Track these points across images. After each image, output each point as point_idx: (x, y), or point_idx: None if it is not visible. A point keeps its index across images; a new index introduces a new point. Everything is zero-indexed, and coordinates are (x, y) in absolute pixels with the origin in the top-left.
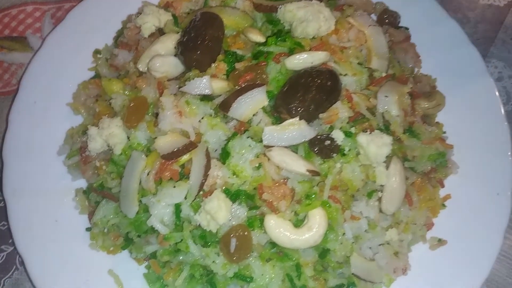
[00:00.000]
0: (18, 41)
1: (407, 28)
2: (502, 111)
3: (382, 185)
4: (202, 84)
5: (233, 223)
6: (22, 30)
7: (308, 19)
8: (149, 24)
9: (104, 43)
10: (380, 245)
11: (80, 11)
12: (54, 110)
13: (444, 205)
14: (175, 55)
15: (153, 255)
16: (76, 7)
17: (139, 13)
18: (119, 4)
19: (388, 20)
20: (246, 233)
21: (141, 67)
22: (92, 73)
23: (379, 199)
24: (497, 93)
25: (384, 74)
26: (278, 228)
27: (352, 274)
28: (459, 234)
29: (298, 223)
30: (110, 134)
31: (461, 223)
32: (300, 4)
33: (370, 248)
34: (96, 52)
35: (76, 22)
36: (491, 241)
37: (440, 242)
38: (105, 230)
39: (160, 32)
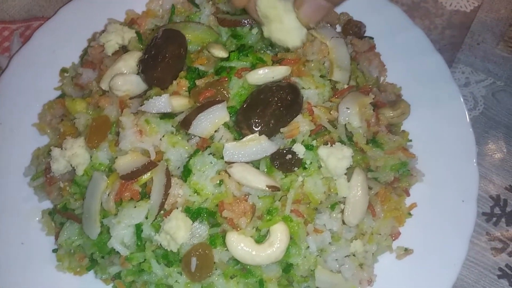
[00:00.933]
0: None
1: (371, 38)
2: (467, 118)
3: (344, 197)
4: (161, 102)
5: (195, 241)
6: None
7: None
8: (112, 42)
9: (71, 61)
10: (345, 256)
11: (47, 29)
12: (21, 130)
13: (410, 214)
14: (137, 73)
15: (118, 276)
16: (42, 26)
17: (103, 31)
18: (86, 21)
19: (352, 30)
20: (207, 251)
21: (104, 86)
22: (59, 92)
23: (342, 211)
24: (462, 100)
25: (346, 86)
26: (239, 245)
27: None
28: (426, 242)
29: (260, 239)
30: (73, 155)
31: (427, 231)
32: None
33: (336, 260)
34: (63, 71)
35: (43, 41)
36: (457, 248)
37: (407, 251)
38: (71, 251)
39: (124, 49)
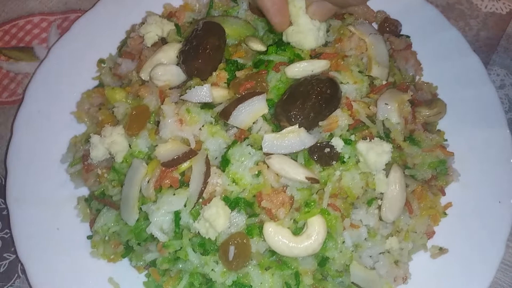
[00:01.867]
0: (24, 51)
1: (408, 36)
2: (504, 118)
3: (382, 193)
4: (203, 92)
5: (232, 231)
6: (28, 40)
7: (305, 30)
8: (152, 33)
9: (108, 52)
10: (380, 253)
11: (85, 21)
12: (58, 118)
13: (445, 213)
14: (177, 64)
15: (153, 263)
16: (81, 18)
17: (143, 23)
18: (123, 14)
19: (389, 28)
20: (245, 240)
21: (144, 76)
22: (96, 82)
23: (379, 207)
24: (499, 101)
25: (384, 82)
26: (277, 236)
27: (352, 283)
28: (461, 243)
29: (297, 231)
30: (112, 142)
31: (463, 232)
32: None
33: (370, 256)
34: (100, 61)
35: (81, 32)
36: (493, 250)
37: (441, 250)
38: (106, 238)
39: (163, 41)
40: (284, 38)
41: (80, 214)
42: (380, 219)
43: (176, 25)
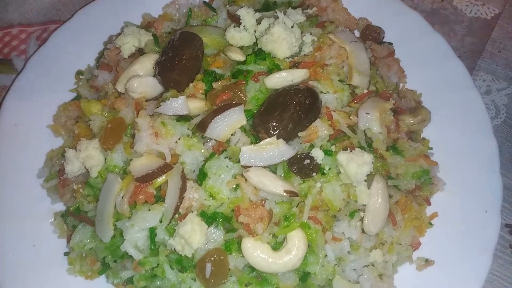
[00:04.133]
0: (3, 63)
1: (390, 43)
2: (490, 125)
3: (364, 205)
4: (178, 104)
5: (209, 247)
6: (7, 52)
7: (279, 39)
8: (128, 44)
9: (87, 64)
10: (364, 266)
11: (63, 32)
12: (35, 132)
13: (431, 224)
14: (154, 76)
15: (130, 281)
16: (59, 29)
17: (120, 33)
18: (101, 25)
19: (371, 35)
20: (222, 257)
21: (120, 88)
22: (74, 94)
23: (362, 219)
24: (484, 108)
25: (365, 91)
26: (256, 251)
27: None
28: (447, 254)
29: (277, 245)
30: (87, 156)
31: (449, 242)
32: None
33: (354, 270)
34: (78, 73)
35: (59, 43)
36: (481, 260)
37: (428, 262)
38: (83, 255)
39: (140, 52)
40: (259, 47)
41: (57, 230)
42: (363, 231)
43: (154, 35)
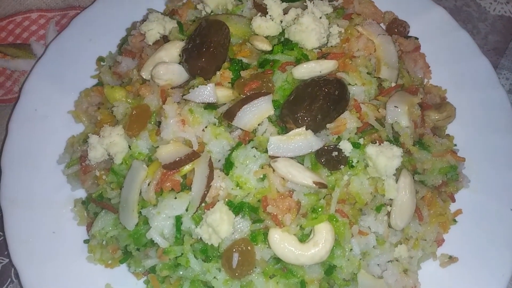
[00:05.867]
0: (21, 48)
1: (416, 38)
2: None
3: (391, 199)
4: (207, 92)
5: (236, 237)
6: (26, 37)
7: (308, 29)
8: (153, 31)
9: (108, 50)
10: (388, 262)
11: (84, 18)
12: (55, 118)
13: (455, 221)
14: (180, 63)
15: (152, 270)
16: (80, 14)
17: (144, 20)
18: (124, 11)
19: (397, 29)
20: (249, 247)
21: (145, 74)
22: (95, 81)
23: (388, 214)
24: (510, 106)
25: (393, 84)
26: (283, 243)
27: None
28: (471, 251)
29: (303, 237)
30: (111, 143)
31: (473, 240)
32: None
33: (378, 265)
34: (100, 59)
35: (80, 29)
36: (505, 258)
37: (451, 259)
38: (104, 243)
39: (164, 39)
40: (286, 36)
41: (77, 217)
42: (389, 226)
43: (179, 22)
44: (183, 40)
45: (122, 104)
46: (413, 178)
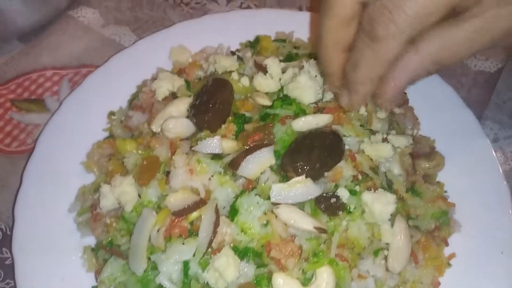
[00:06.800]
0: (36, 103)
1: (405, 93)
2: (500, 170)
3: (387, 244)
4: (213, 144)
5: (241, 281)
6: (40, 93)
7: (304, 86)
8: (163, 88)
9: (118, 106)
10: None
11: (96, 75)
12: (67, 168)
13: (449, 264)
14: (187, 117)
15: None
16: (93, 72)
17: (154, 78)
18: (133, 70)
19: None
20: None
21: (155, 128)
22: (106, 134)
23: (385, 258)
24: (494, 153)
25: (385, 136)
26: (286, 286)
27: None
28: None
29: (305, 281)
30: (122, 192)
31: (467, 283)
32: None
33: None
34: (111, 113)
35: (92, 86)
36: None
37: None
38: None
39: (173, 96)
40: (285, 93)
41: (86, 264)
42: (387, 269)
43: (186, 80)
44: (190, 96)
45: (133, 155)
46: (408, 223)
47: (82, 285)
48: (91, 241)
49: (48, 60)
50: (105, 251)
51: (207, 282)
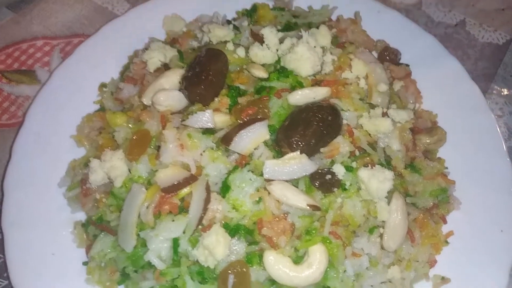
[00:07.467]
0: (26, 74)
1: (407, 65)
2: (504, 147)
3: (383, 221)
4: (205, 117)
5: (232, 259)
6: (31, 63)
7: (302, 58)
8: (155, 59)
9: (110, 77)
10: (382, 283)
11: (88, 46)
12: (58, 142)
13: (447, 242)
14: (179, 90)
15: None
16: (84, 42)
17: (146, 48)
18: (126, 39)
19: (389, 57)
20: (244, 269)
21: (146, 100)
22: (97, 106)
23: (381, 236)
24: (498, 129)
25: (385, 110)
26: (278, 264)
27: None
28: (463, 272)
29: (298, 259)
30: (112, 167)
31: (465, 261)
32: (299, 41)
33: (371, 286)
34: (102, 85)
35: (84, 56)
36: (497, 280)
37: (444, 280)
38: (102, 265)
39: (165, 67)
40: (282, 64)
41: (76, 240)
42: (382, 247)
43: (179, 51)
44: (183, 67)
45: (123, 129)
46: (405, 200)
47: (73, 260)
48: (82, 216)
49: (39, 29)
50: (95, 227)
51: (197, 260)
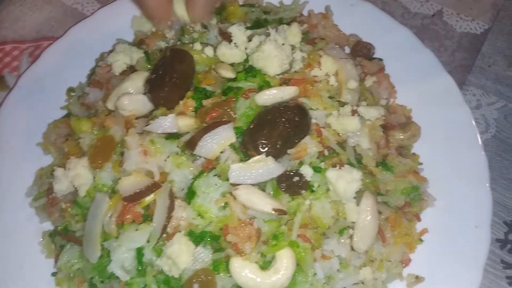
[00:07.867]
0: None
1: (380, 59)
2: (479, 140)
3: (353, 222)
4: (167, 122)
5: (197, 267)
6: None
7: (270, 56)
8: (120, 61)
9: (78, 81)
10: (354, 284)
11: (54, 49)
12: (25, 150)
13: (421, 240)
14: (144, 93)
15: None
16: (51, 46)
17: (111, 51)
18: (94, 41)
19: (361, 52)
20: (209, 277)
21: (110, 105)
22: (65, 112)
23: (351, 237)
24: (473, 122)
25: (355, 107)
26: (244, 271)
27: None
28: (438, 270)
29: (266, 264)
30: (76, 175)
31: (440, 258)
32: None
33: None
34: (70, 90)
35: (51, 60)
36: (472, 276)
37: (418, 279)
38: (71, 275)
39: (131, 69)
40: (250, 63)
41: (45, 250)
42: (352, 249)
43: (145, 52)
44: (149, 70)
45: (88, 136)
46: (376, 199)
47: (42, 271)
48: (50, 226)
49: (7, 32)
50: (61, 238)
51: (162, 269)
